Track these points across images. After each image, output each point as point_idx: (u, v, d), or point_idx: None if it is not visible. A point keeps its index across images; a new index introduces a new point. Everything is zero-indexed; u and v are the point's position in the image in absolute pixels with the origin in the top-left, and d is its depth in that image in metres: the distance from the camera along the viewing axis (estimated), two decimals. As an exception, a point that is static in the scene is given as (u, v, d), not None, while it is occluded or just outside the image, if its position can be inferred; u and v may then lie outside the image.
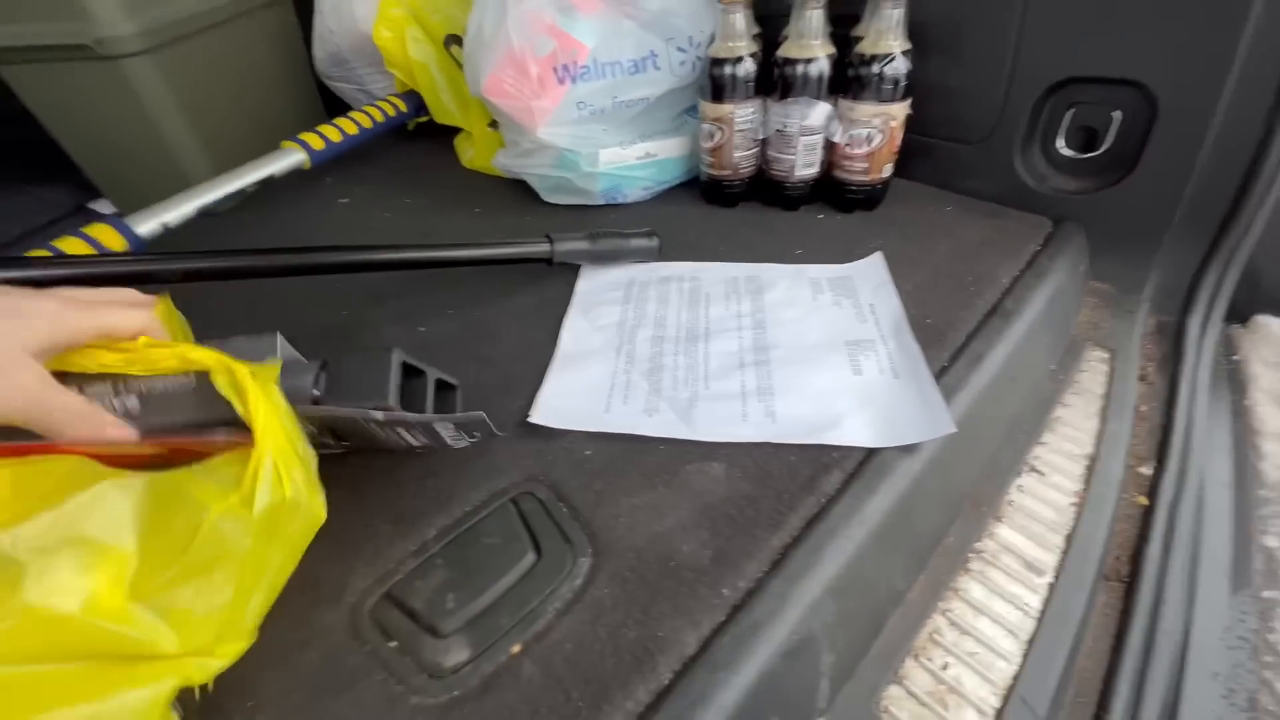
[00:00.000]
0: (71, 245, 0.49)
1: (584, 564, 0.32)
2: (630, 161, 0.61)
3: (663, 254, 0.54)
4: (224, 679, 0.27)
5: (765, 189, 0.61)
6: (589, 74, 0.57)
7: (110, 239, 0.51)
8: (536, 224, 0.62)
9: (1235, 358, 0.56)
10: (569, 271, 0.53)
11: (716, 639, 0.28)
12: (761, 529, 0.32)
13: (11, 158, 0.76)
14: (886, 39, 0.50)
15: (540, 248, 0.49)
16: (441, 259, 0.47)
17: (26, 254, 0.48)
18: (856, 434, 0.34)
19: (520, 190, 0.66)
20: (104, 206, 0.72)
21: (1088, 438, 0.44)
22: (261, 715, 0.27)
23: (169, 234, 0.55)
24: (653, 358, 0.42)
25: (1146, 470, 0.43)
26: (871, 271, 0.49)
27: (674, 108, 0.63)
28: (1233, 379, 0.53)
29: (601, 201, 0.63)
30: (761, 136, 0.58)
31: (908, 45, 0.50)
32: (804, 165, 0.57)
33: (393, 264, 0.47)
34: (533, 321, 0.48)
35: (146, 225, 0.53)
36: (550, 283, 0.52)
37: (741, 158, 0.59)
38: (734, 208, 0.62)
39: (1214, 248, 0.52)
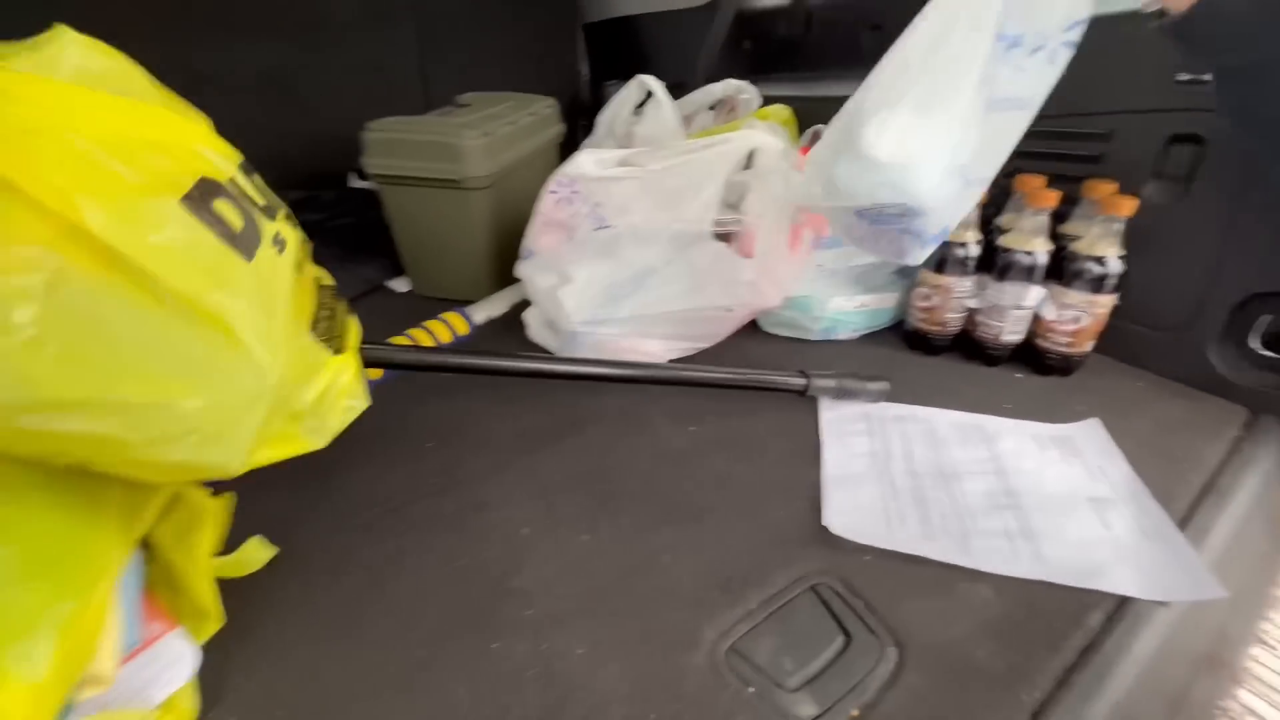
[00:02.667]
0: (435, 325, 0.65)
1: (891, 653, 0.39)
2: (849, 309, 0.73)
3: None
4: (621, 689, 0.36)
5: (966, 344, 0.71)
6: (829, 243, 0.70)
7: (458, 323, 0.67)
8: (757, 350, 0.74)
9: None
10: (806, 402, 0.63)
11: (1025, 736, 0.34)
12: (1041, 649, 0.39)
13: (343, 242, 0.99)
14: (1103, 243, 0.61)
15: (798, 380, 0.59)
16: (718, 379, 0.58)
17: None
18: (1126, 584, 0.41)
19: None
20: (400, 285, 0.91)
21: (1313, 621, 0.47)
22: (661, 726, 0.35)
23: (488, 324, 0.71)
24: (914, 490, 0.50)
25: (1378, 663, 0.46)
26: (1093, 434, 0.56)
27: (889, 268, 0.75)
28: None
29: (818, 338, 0.75)
30: (974, 306, 0.68)
31: (1123, 251, 0.60)
32: (1010, 333, 0.67)
33: (679, 380, 0.59)
34: (785, 439, 0.58)
35: (480, 314, 0.69)
36: (791, 410, 0.62)
37: (951, 318, 0.69)
38: (936, 356, 0.72)
39: None
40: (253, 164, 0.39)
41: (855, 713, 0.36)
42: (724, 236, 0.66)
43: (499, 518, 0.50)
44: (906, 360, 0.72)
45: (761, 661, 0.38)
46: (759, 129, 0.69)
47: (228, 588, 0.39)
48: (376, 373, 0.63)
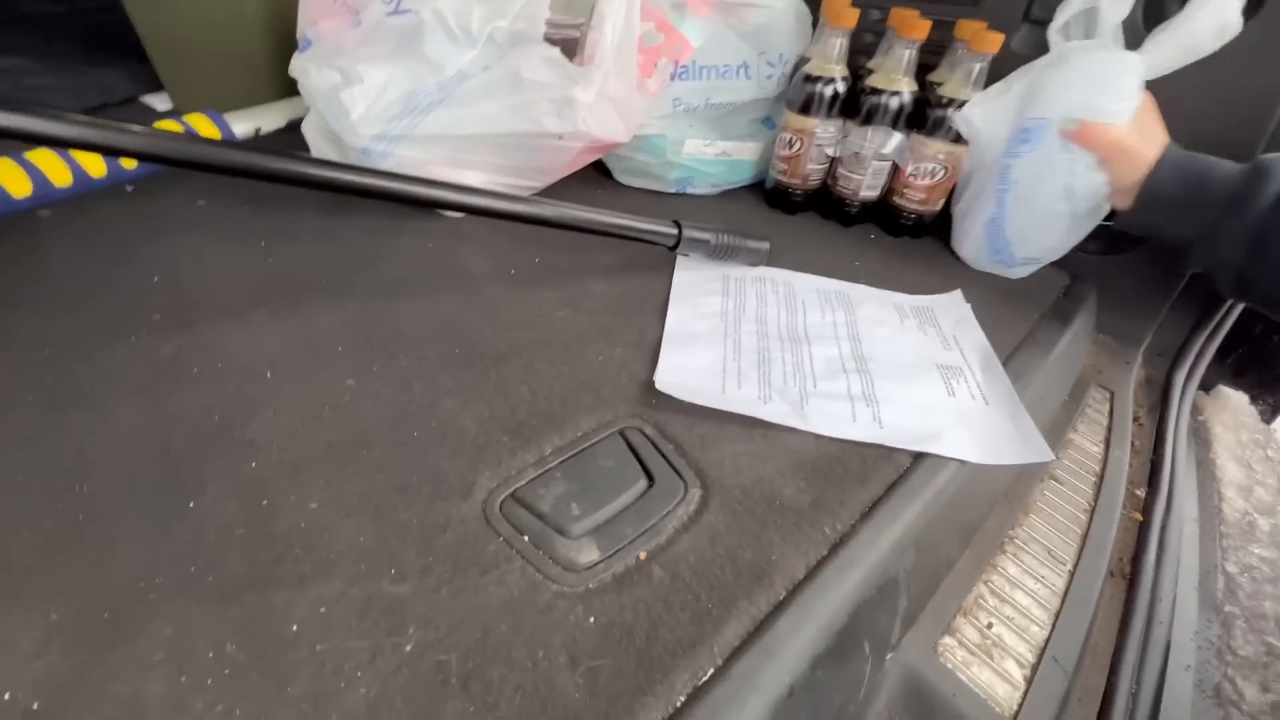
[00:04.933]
0: (167, 127, 0.49)
1: (695, 494, 0.35)
2: (708, 157, 0.65)
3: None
4: (360, 544, 0.29)
5: (824, 203, 0.67)
6: (688, 74, 0.61)
7: (208, 130, 0.51)
8: (607, 200, 0.65)
9: (1200, 418, 0.64)
10: (662, 258, 0.55)
11: (821, 568, 0.31)
12: (851, 484, 0.36)
13: (78, 38, 0.73)
14: (968, 88, 0.56)
15: (669, 230, 0.51)
16: (575, 220, 0.48)
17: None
18: (958, 449, 0.38)
19: (592, 167, 0.69)
20: (159, 102, 0.70)
21: (1094, 460, 0.50)
22: (404, 584, 0.28)
23: (257, 139, 0.55)
24: (759, 350, 0.45)
25: (1140, 493, 0.50)
26: (952, 306, 0.54)
27: (752, 114, 0.67)
28: (1198, 435, 0.62)
29: (673, 190, 0.67)
30: (835, 154, 0.63)
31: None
32: (869, 187, 0.63)
33: (523, 216, 0.48)
34: (629, 290, 0.51)
35: (241, 126, 0.53)
36: (644, 266, 0.54)
37: (812, 170, 0.64)
38: (794, 215, 0.67)
39: (1200, 323, 0.61)
40: None
41: (643, 555, 0.31)
42: (560, 44, 0.54)
43: (236, 362, 0.39)
44: (766, 218, 0.67)
45: (545, 508, 0.32)
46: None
47: None
48: (99, 166, 0.46)
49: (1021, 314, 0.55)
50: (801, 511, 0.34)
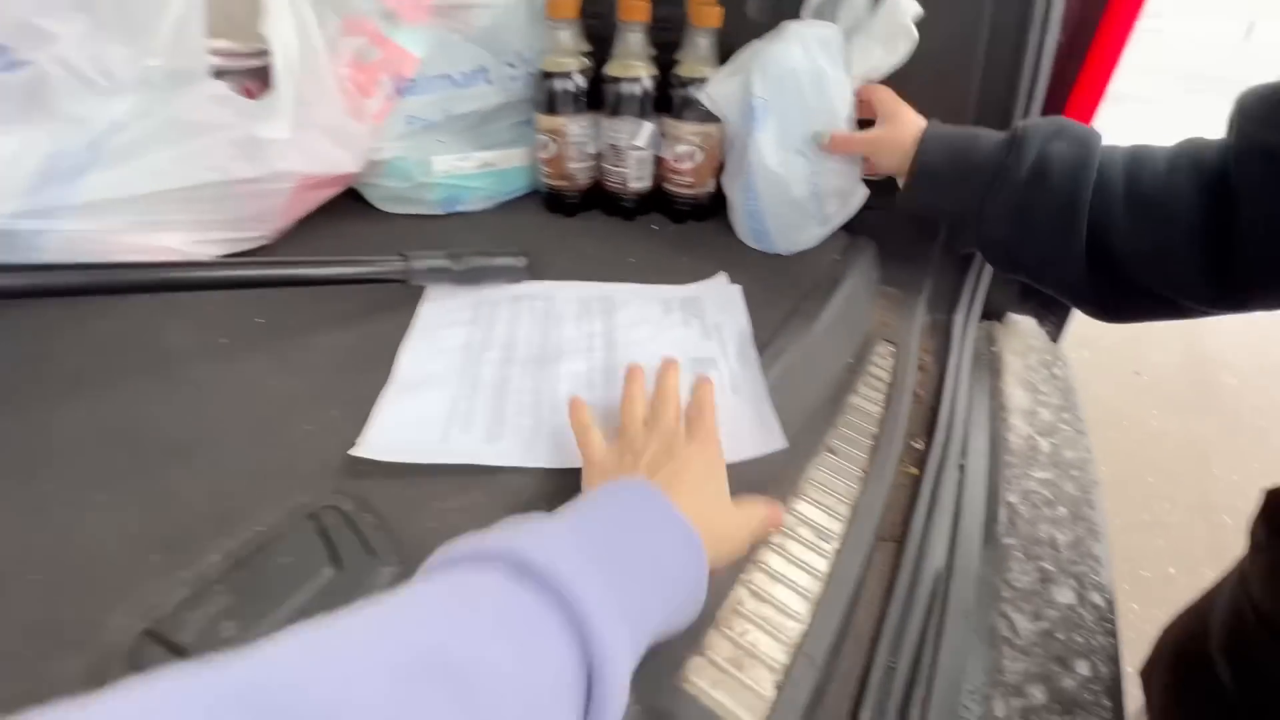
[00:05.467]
0: None
1: (387, 572, 0.31)
2: (468, 171, 0.61)
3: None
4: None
5: (604, 200, 0.64)
6: (418, 88, 0.56)
7: None
8: (367, 231, 0.60)
9: (994, 348, 0.66)
10: (411, 295, 0.50)
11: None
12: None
13: None
14: (704, 64, 0.55)
15: (392, 266, 0.46)
16: (277, 278, 0.43)
17: None
18: None
19: (348, 197, 0.63)
20: None
21: (874, 420, 0.50)
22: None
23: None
24: (498, 383, 0.42)
25: (919, 445, 0.50)
26: (717, 290, 0.52)
27: (511, 119, 0.63)
28: (991, 366, 0.64)
29: (441, 211, 0.62)
30: (594, 150, 0.60)
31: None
32: (636, 179, 0.60)
33: (219, 282, 0.42)
34: (363, 340, 0.46)
35: None
36: (390, 306, 0.49)
37: (577, 169, 0.61)
38: (574, 217, 0.64)
39: (971, 258, 0.63)
40: None
41: (302, 670, 0.27)
42: (246, 78, 0.48)
43: None
44: (544, 223, 0.64)
45: (187, 639, 0.27)
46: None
47: None
48: None
49: (796, 283, 0.55)
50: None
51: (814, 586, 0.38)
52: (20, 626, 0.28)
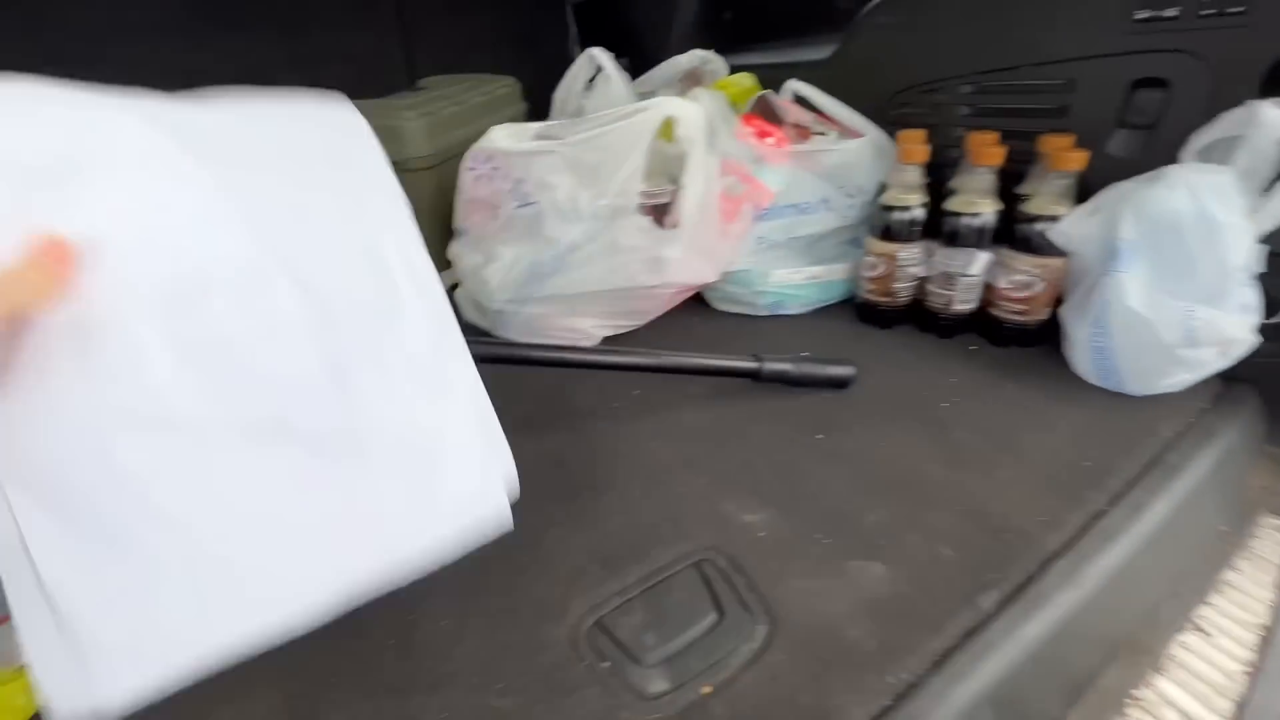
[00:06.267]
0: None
1: (761, 630, 0.37)
2: (797, 282, 0.70)
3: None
4: (476, 659, 0.36)
5: (919, 315, 0.67)
6: (770, 214, 0.67)
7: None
8: (703, 326, 0.72)
9: None
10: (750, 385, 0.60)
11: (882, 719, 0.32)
12: (923, 629, 0.36)
13: None
14: (1055, 202, 0.56)
15: (749, 364, 0.56)
16: (665, 365, 0.55)
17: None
18: None
19: (697, 297, 0.76)
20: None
21: (1262, 606, 0.43)
22: (510, 698, 0.34)
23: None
24: None
25: (1333, 653, 0.42)
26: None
27: (839, 238, 0.71)
28: None
29: (765, 313, 0.72)
30: (923, 273, 0.65)
31: (1073, 208, 0.56)
32: (962, 301, 0.63)
33: (610, 365, 0.57)
34: (716, 420, 0.56)
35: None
36: (735, 391, 0.59)
37: (901, 288, 0.66)
38: (888, 329, 0.69)
39: None
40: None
41: (707, 690, 0.34)
42: (656, 210, 0.64)
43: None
44: (858, 334, 0.69)
45: (623, 636, 0.37)
46: (697, 97, 0.66)
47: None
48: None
49: (1153, 430, 0.51)
50: (867, 656, 0.35)
51: (1189, 781, 0.34)
52: (509, 601, 0.40)
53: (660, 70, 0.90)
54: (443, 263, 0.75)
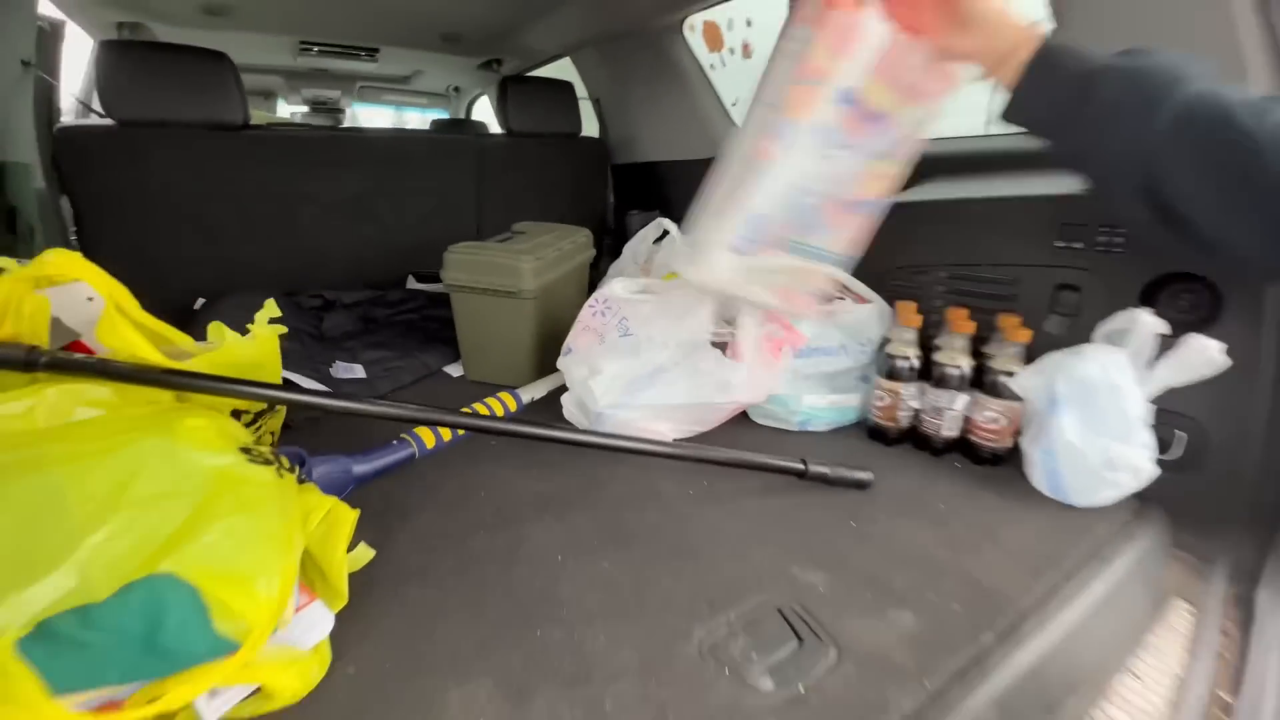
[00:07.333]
0: (491, 401, 0.83)
1: (833, 652, 0.52)
2: (822, 405, 0.90)
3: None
4: (635, 665, 0.50)
5: (916, 438, 0.88)
6: (803, 354, 0.89)
7: (509, 400, 0.85)
8: (747, 435, 0.91)
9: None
10: (791, 482, 0.78)
11: (920, 711, 0.47)
12: (942, 653, 0.52)
13: (407, 335, 1.20)
14: (1011, 362, 0.79)
15: (797, 465, 0.75)
16: (733, 460, 0.74)
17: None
18: None
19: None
20: (454, 370, 1.10)
21: (1175, 660, 0.60)
22: (668, 688, 0.48)
23: (531, 403, 0.89)
24: None
25: (1227, 697, 0.58)
26: None
27: (853, 375, 0.93)
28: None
29: (795, 429, 0.92)
30: (919, 406, 0.86)
31: (1024, 367, 0.78)
32: (948, 429, 0.84)
33: (694, 458, 0.75)
34: (767, 505, 0.73)
35: (526, 395, 0.87)
36: (772, 487, 0.77)
37: (902, 415, 0.86)
38: (891, 446, 0.88)
39: (1266, 535, 0.71)
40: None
41: (802, 688, 0.49)
42: (720, 345, 0.85)
43: (539, 548, 0.64)
44: (869, 449, 0.89)
45: (735, 654, 0.52)
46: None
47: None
48: (447, 433, 0.80)
49: (1091, 530, 0.70)
50: (908, 671, 0.51)
51: (1131, 772, 0.49)
52: (646, 626, 0.55)
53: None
54: (549, 369, 0.94)
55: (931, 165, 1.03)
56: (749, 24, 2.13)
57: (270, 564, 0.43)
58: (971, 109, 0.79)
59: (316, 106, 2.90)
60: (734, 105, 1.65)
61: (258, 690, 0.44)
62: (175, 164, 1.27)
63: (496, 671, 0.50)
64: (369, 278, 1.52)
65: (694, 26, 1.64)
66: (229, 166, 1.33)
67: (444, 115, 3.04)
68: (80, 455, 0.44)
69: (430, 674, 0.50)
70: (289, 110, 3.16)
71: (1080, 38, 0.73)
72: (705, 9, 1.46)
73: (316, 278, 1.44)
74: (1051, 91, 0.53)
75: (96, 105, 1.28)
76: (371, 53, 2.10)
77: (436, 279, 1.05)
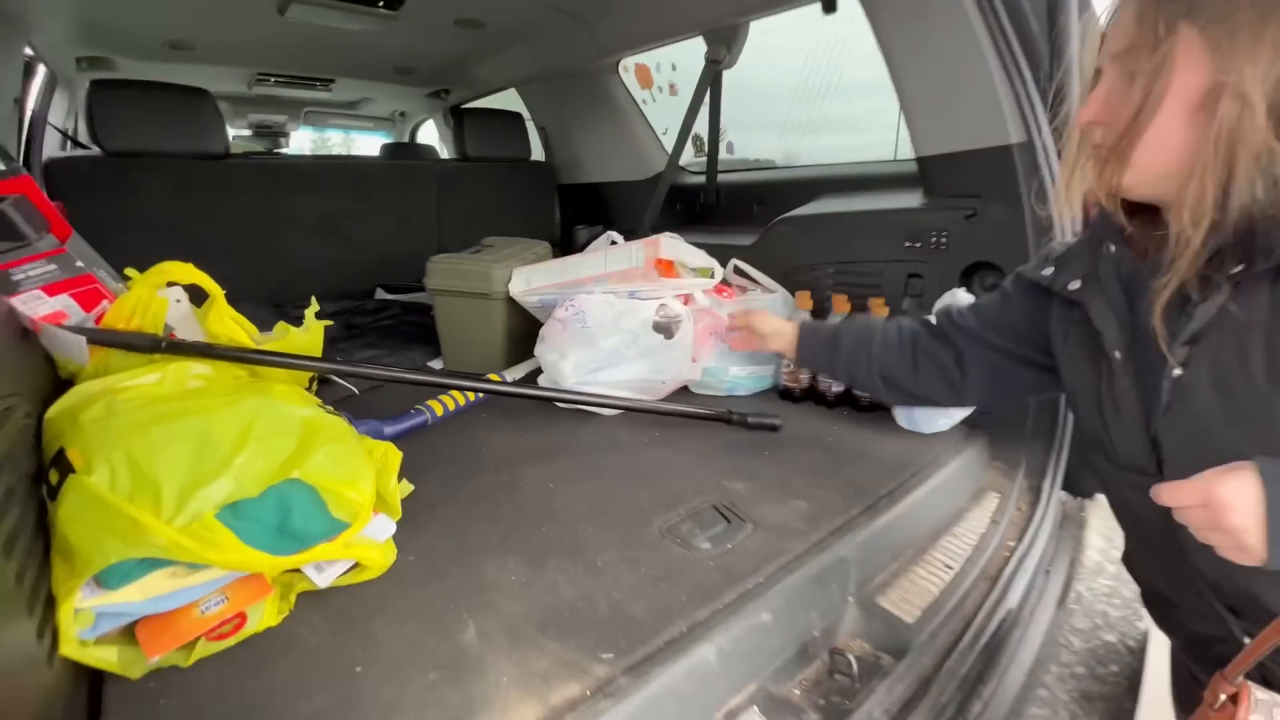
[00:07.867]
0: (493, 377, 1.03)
1: (750, 527, 0.76)
2: (744, 375, 1.15)
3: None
4: (613, 540, 0.72)
5: (814, 395, 1.14)
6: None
7: (496, 379, 1.05)
8: (686, 400, 1.14)
9: (1082, 513, 1.00)
10: (720, 428, 1.02)
11: (809, 551, 0.71)
12: (832, 519, 0.76)
13: (390, 336, 1.37)
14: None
15: (725, 414, 0.99)
16: (679, 411, 0.97)
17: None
18: None
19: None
20: (436, 364, 1.28)
21: (983, 527, 0.87)
22: (639, 551, 0.70)
23: (514, 382, 1.09)
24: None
25: (1011, 544, 0.86)
26: None
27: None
28: (1078, 521, 0.97)
29: (724, 393, 1.16)
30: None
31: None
32: (836, 388, 1.10)
33: (649, 409, 0.97)
34: (704, 445, 0.97)
35: (510, 376, 1.07)
36: (709, 432, 1.01)
37: (804, 378, 1.13)
38: (796, 403, 1.14)
39: (1048, 452, 1.00)
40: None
41: (730, 546, 0.72)
42: (662, 331, 1.08)
43: (534, 481, 0.85)
44: (779, 405, 1.14)
45: (684, 532, 0.74)
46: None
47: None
48: (452, 404, 0.99)
49: (932, 447, 0.97)
50: (801, 532, 0.75)
51: (947, 574, 0.75)
52: (622, 520, 0.76)
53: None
54: (526, 356, 1.14)
55: (821, 186, 1.33)
56: (674, 68, 2.42)
57: (361, 473, 0.62)
58: (861, 145, 1.07)
59: (260, 131, 2.96)
60: (664, 133, 1.91)
61: (354, 566, 0.63)
62: (162, 191, 1.39)
63: (517, 552, 0.70)
64: (342, 290, 1.67)
65: (628, 68, 1.89)
66: (212, 193, 1.45)
67: (389, 139, 3.17)
68: (213, 408, 0.61)
69: (470, 555, 0.69)
70: (230, 134, 3.18)
71: (911, 97, 1.03)
72: (636, 54, 1.71)
73: (294, 292, 1.58)
74: (815, 348, 0.90)
75: (82, 137, 1.38)
76: (327, 83, 2.23)
77: (404, 290, 1.24)
